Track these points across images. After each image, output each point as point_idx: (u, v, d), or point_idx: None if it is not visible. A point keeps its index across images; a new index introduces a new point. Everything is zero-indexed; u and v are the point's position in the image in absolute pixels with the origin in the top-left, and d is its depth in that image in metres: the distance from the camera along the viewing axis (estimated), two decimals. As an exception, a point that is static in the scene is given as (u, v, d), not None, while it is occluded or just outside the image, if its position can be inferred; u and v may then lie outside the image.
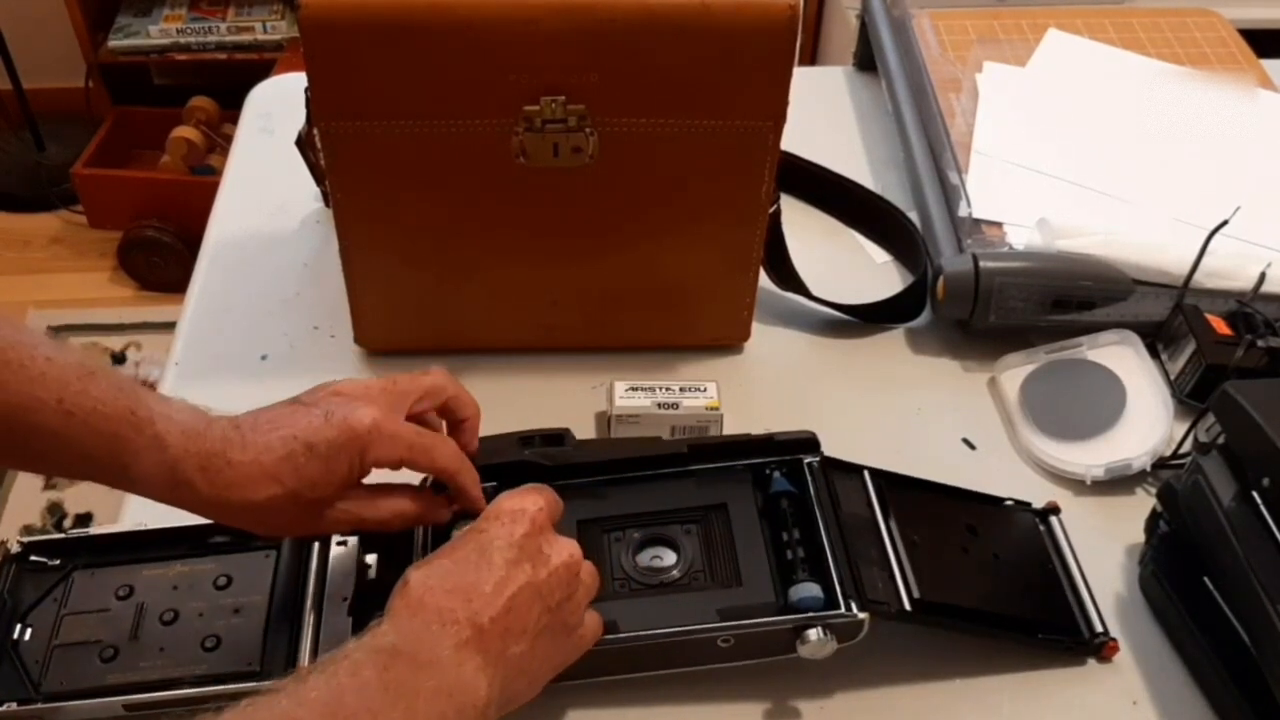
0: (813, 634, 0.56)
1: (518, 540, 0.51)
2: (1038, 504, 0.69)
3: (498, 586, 0.49)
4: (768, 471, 0.63)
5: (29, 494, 1.71)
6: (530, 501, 0.53)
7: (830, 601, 0.57)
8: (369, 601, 0.59)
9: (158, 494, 0.52)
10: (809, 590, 0.57)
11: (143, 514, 0.63)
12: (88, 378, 0.50)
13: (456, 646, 0.47)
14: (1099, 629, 0.63)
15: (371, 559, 0.61)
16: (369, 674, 0.44)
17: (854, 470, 0.64)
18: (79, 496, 1.71)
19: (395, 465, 0.56)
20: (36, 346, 0.49)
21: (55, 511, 1.69)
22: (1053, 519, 0.68)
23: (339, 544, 0.61)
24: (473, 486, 0.58)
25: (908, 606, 0.59)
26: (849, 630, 0.57)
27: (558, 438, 0.63)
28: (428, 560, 0.50)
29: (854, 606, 0.57)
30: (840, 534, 0.59)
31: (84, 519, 1.67)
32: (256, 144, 0.97)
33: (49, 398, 0.49)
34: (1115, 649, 0.62)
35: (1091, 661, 0.63)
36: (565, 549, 0.53)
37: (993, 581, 0.63)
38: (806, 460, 0.63)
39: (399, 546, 0.60)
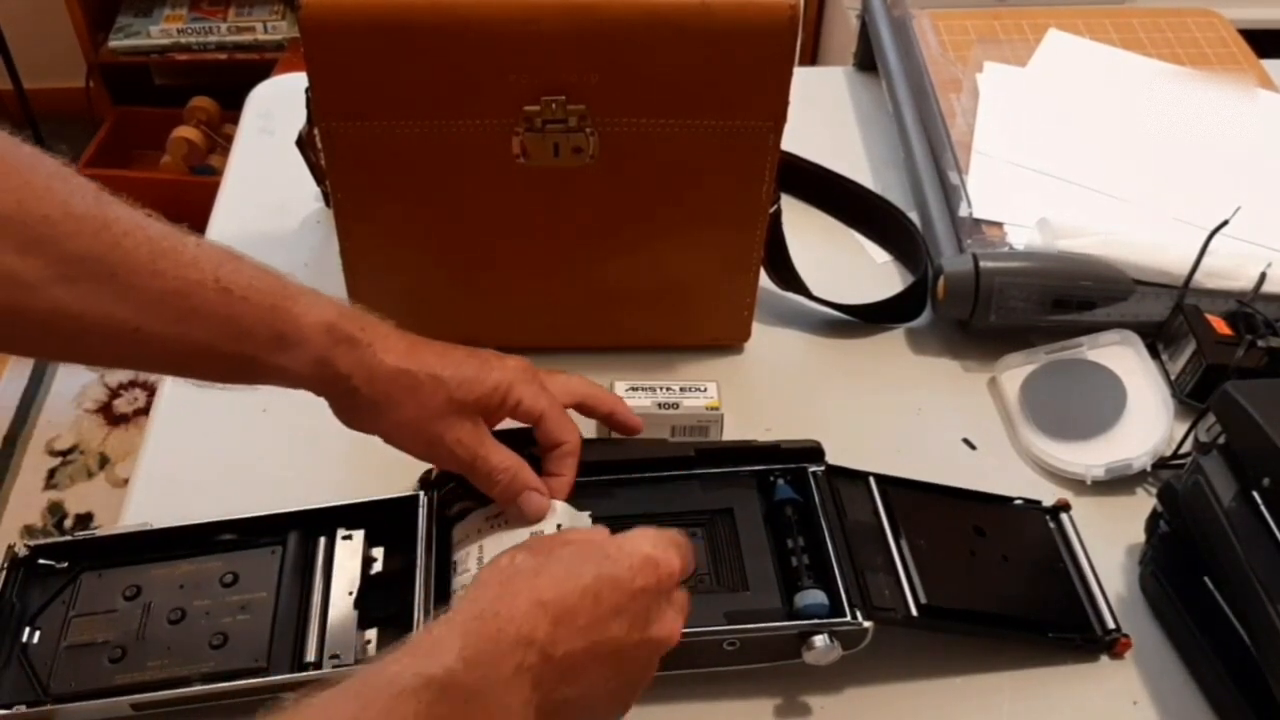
0: (819, 641, 0.56)
1: (634, 589, 0.48)
2: (1044, 503, 0.69)
3: (590, 625, 0.47)
4: (772, 479, 0.63)
5: (30, 494, 1.71)
6: (671, 557, 0.50)
7: (835, 609, 0.57)
8: (374, 596, 0.59)
9: (313, 356, 0.53)
10: (815, 598, 0.57)
11: (147, 513, 0.63)
12: (237, 259, 0.53)
13: (517, 670, 0.45)
14: (1111, 625, 0.63)
15: (377, 553, 0.62)
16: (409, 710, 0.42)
17: (859, 477, 0.64)
18: (79, 496, 1.71)
19: (532, 415, 0.58)
20: (186, 236, 0.51)
21: (56, 511, 1.69)
22: (1063, 516, 0.68)
23: (344, 538, 0.62)
24: (572, 469, 0.59)
25: (914, 612, 0.59)
26: (854, 638, 0.57)
27: None
28: (543, 553, 0.48)
29: (859, 615, 0.57)
30: (845, 542, 0.60)
31: (84, 519, 1.67)
32: (257, 144, 0.97)
33: (205, 279, 0.51)
34: (1128, 645, 0.62)
35: (1092, 661, 0.63)
36: (669, 625, 0.50)
37: (1001, 582, 0.63)
38: (811, 469, 0.63)
39: (402, 541, 0.61)
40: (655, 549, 0.50)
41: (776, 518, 0.62)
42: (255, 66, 2.04)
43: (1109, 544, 0.68)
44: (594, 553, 0.49)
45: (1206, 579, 0.60)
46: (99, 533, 0.62)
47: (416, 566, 0.58)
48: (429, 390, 0.55)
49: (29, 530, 1.66)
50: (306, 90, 0.68)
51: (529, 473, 0.57)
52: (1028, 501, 0.69)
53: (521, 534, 0.57)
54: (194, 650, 0.56)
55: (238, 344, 0.52)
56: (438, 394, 0.55)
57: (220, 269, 0.51)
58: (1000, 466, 0.73)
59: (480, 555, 0.57)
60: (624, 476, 0.63)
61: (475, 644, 0.44)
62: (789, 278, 0.81)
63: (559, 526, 0.57)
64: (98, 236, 0.48)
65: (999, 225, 0.84)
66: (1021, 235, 0.82)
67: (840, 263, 0.87)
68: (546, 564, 0.48)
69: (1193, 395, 0.75)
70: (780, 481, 0.63)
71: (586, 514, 0.59)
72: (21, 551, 0.60)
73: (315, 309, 0.53)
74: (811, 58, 1.92)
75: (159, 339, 0.50)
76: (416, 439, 0.56)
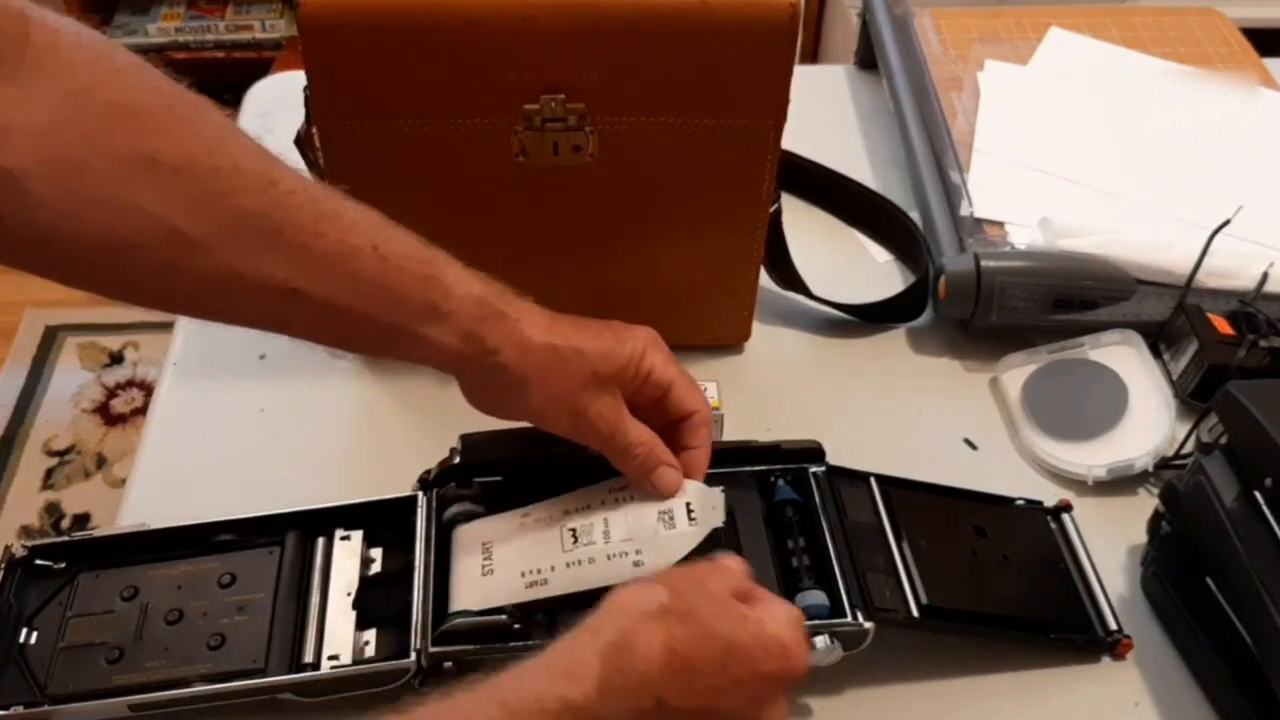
0: (819, 641, 0.56)
1: (759, 671, 0.48)
2: (1046, 503, 0.69)
3: (708, 690, 0.47)
4: (772, 480, 0.62)
5: (27, 494, 1.71)
6: (804, 654, 0.50)
7: (836, 610, 0.57)
8: (373, 596, 0.59)
9: (463, 328, 0.52)
10: (815, 598, 0.57)
11: (144, 513, 0.63)
12: (392, 227, 0.52)
13: (635, 710, 0.45)
14: (1113, 626, 0.63)
15: (375, 554, 0.61)
16: None
17: (860, 477, 0.64)
18: (77, 497, 1.71)
19: (662, 383, 0.57)
20: (345, 199, 0.51)
21: (53, 512, 1.68)
22: (1065, 516, 0.68)
23: (342, 538, 0.61)
24: (707, 440, 0.58)
25: (915, 613, 0.59)
26: (855, 638, 0.57)
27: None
28: (687, 598, 0.48)
29: (860, 616, 0.57)
30: (846, 542, 0.60)
31: (82, 519, 1.67)
32: (256, 143, 0.97)
33: (364, 245, 0.50)
34: (1129, 646, 0.62)
35: (1094, 662, 0.63)
36: (777, 717, 0.50)
37: (1002, 583, 0.63)
38: (811, 470, 0.62)
39: (401, 541, 0.60)
40: (792, 640, 0.49)
41: (777, 518, 0.61)
42: (253, 65, 2.03)
43: (1111, 544, 0.68)
44: (735, 619, 0.48)
45: (1209, 580, 0.60)
46: (96, 533, 0.61)
47: (415, 567, 0.58)
48: (574, 364, 0.54)
49: (26, 530, 1.66)
50: (305, 89, 0.68)
51: (664, 449, 0.57)
52: (1029, 502, 0.69)
53: (649, 510, 0.57)
54: (192, 651, 0.56)
55: (390, 312, 0.51)
56: (582, 368, 0.54)
57: (378, 235, 0.51)
58: (1001, 467, 0.73)
59: (606, 529, 0.57)
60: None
61: (611, 675, 0.45)
62: (789, 277, 0.81)
63: (688, 505, 0.57)
64: (264, 193, 0.48)
65: (1000, 224, 0.83)
66: (1023, 234, 0.82)
67: (841, 262, 0.87)
68: (688, 612, 0.47)
69: (1195, 395, 0.75)
70: (780, 482, 0.63)
71: (719, 489, 0.59)
72: (19, 552, 0.59)
73: (464, 282, 0.53)
74: (812, 56, 1.92)
75: (314, 302, 0.50)
76: (560, 413, 0.55)
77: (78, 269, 0.46)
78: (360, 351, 0.53)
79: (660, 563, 0.55)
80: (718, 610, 0.48)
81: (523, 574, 0.56)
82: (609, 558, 0.56)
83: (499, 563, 0.57)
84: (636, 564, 0.56)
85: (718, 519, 0.58)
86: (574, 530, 0.57)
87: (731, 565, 0.54)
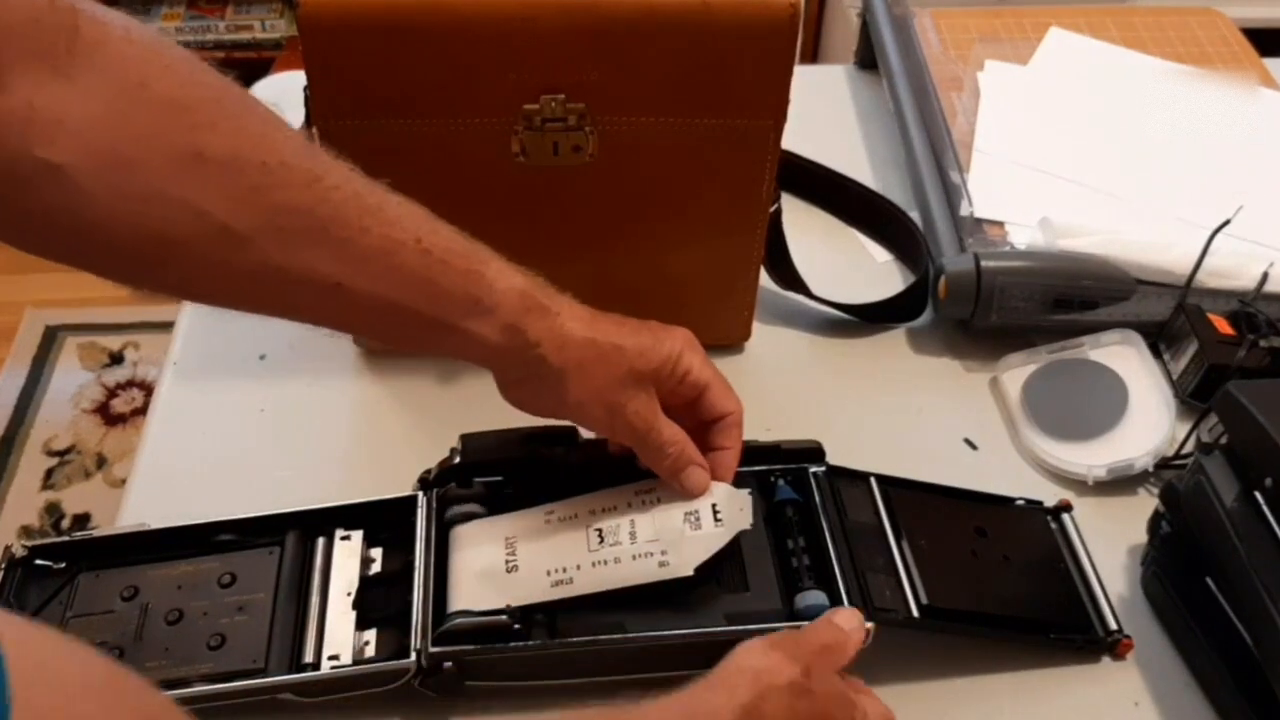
0: None
1: None
2: (1046, 503, 0.69)
3: None
4: (772, 479, 0.62)
5: (27, 494, 1.71)
6: None
7: None
8: (373, 596, 0.59)
9: (505, 322, 0.52)
10: (815, 598, 0.57)
11: (144, 513, 0.63)
12: (434, 221, 0.52)
13: None
14: (1113, 626, 0.63)
15: (375, 553, 0.61)
16: None
17: (860, 477, 0.64)
18: (77, 497, 1.71)
19: (699, 384, 0.57)
20: (388, 193, 0.51)
21: (53, 512, 1.69)
22: (1065, 516, 0.68)
23: (343, 538, 0.61)
24: (739, 441, 0.59)
25: (915, 613, 0.59)
26: None
27: (566, 436, 0.62)
28: (809, 678, 0.51)
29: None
30: (846, 542, 0.59)
31: (82, 519, 1.67)
32: (256, 143, 0.97)
33: (407, 239, 0.50)
34: (1129, 646, 0.62)
35: (1094, 662, 0.63)
36: None
37: (1003, 583, 0.63)
38: (812, 470, 0.62)
39: (401, 541, 0.60)
40: (875, 708, 0.53)
41: (777, 518, 0.61)
42: (253, 65, 2.04)
43: (1111, 544, 0.68)
44: (846, 706, 0.52)
45: (1209, 579, 0.60)
46: (96, 533, 0.61)
47: (415, 567, 0.58)
48: (613, 360, 0.54)
49: (26, 531, 1.66)
50: (305, 89, 0.68)
51: (694, 449, 0.57)
52: (1029, 502, 0.69)
53: (675, 511, 0.57)
54: (192, 651, 0.56)
55: (433, 307, 0.51)
56: (621, 364, 0.55)
57: (421, 230, 0.51)
58: (1002, 467, 0.73)
59: (632, 529, 0.57)
60: (624, 478, 0.62)
61: None
62: (789, 277, 0.81)
63: (714, 507, 0.57)
64: (309, 188, 0.48)
65: (1000, 224, 0.83)
66: (1023, 234, 0.82)
67: (841, 262, 0.87)
68: (815, 693, 0.50)
69: (1195, 395, 0.75)
70: (781, 482, 0.63)
71: (746, 491, 0.59)
72: (19, 552, 0.59)
73: (506, 275, 0.53)
74: (812, 56, 1.92)
75: (358, 296, 0.50)
76: (596, 408, 0.56)
77: (124, 264, 0.47)
78: (402, 345, 0.53)
79: (685, 563, 0.56)
80: (836, 693, 0.52)
81: (548, 572, 0.56)
82: (634, 558, 0.56)
83: (524, 560, 0.57)
84: (662, 564, 0.56)
85: (745, 521, 0.58)
86: (600, 530, 0.57)
87: (856, 638, 0.55)
